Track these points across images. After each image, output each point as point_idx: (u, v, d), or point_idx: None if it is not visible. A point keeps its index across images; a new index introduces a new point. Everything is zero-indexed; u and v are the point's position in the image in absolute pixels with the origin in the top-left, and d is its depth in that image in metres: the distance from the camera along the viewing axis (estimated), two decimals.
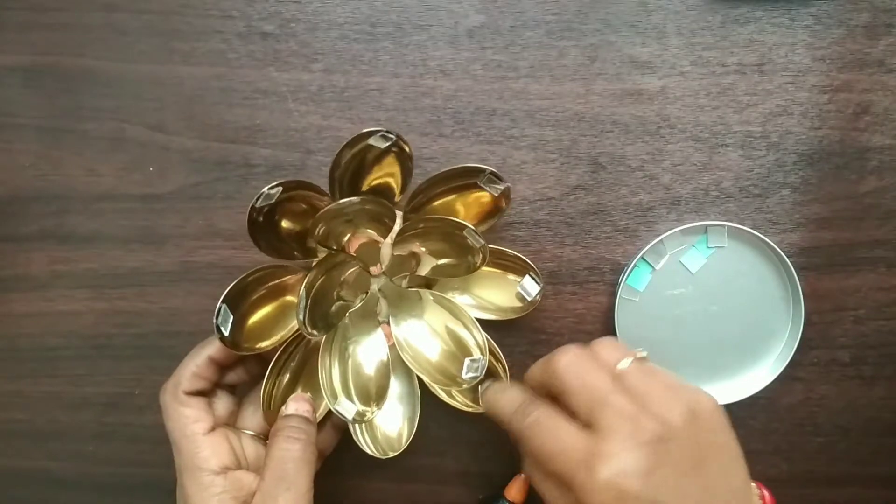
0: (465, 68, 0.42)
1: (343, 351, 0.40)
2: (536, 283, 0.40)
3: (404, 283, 0.41)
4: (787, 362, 0.42)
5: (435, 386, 0.41)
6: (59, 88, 0.42)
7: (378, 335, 0.41)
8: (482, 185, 0.38)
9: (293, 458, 0.35)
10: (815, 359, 0.44)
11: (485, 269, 0.40)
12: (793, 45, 0.41)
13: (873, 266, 0.43)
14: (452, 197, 0.39)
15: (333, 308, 0.40)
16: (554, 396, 0.34)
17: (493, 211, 0.40)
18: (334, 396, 0.39)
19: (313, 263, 0.39)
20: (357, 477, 0.42)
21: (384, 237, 0.40)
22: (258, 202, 0.35)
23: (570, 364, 0.34)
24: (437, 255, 0.41)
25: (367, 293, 0.41)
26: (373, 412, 0.39)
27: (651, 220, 0.43)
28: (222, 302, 0.35)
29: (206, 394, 0.37)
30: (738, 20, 0.41)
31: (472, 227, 0.37)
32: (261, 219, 0.36)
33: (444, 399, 0.41)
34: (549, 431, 0.33)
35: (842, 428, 0.45)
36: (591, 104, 0.42)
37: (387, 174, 0.38)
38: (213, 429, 0.36)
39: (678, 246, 0.42)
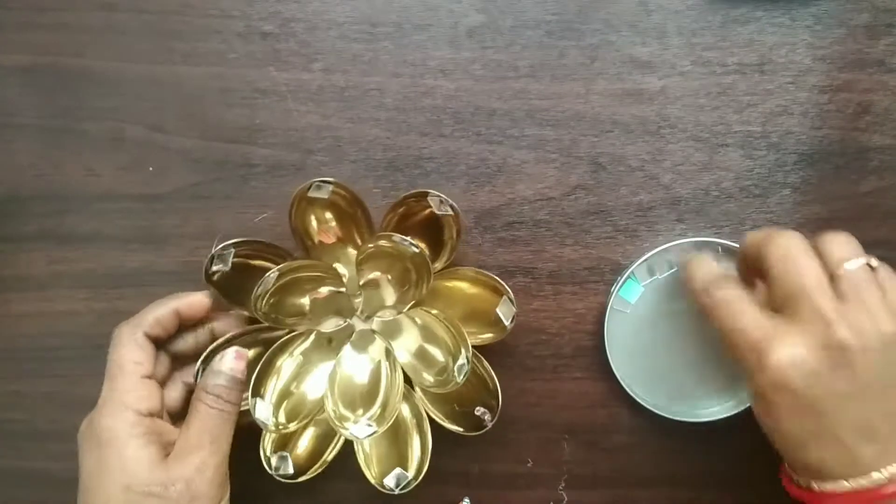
0: (465, 68, 0.42)
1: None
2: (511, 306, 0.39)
3: (387, 314, 0.41)
4: None
5: (432, 409, 0.41)
6: (58, 88, 0.42)
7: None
8: (439, 211, 0.38)
9: (224, 418, 0.36)
10: None
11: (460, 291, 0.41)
12: (793, 44, 0.41)
13: None
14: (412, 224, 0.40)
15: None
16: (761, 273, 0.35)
17: (440, 228, 0.39)
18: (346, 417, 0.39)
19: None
20: (357, 478, 0.42)
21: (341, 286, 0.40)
22: (212, 266, 0.37)
23: (785, 249, 0.33)
24: (399, 280, 0.40)
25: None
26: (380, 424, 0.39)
27: (651, 220, 0.43)
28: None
29: (159, 344, 0.38)
30: (738, 20, 0.41)
31: (401, 236, 0.36)
32: (215, 278, 0.38)
33: (442, 423, 0.41)
34: (733, 308, 0.33)
35: None
36: (592, 104, 0.42)
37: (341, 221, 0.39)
38: (150, 376, 0.36)
39: (672, 258, 0.42)
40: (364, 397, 0.40)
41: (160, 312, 0.37)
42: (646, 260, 0.41)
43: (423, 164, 0.42)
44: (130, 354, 0.36)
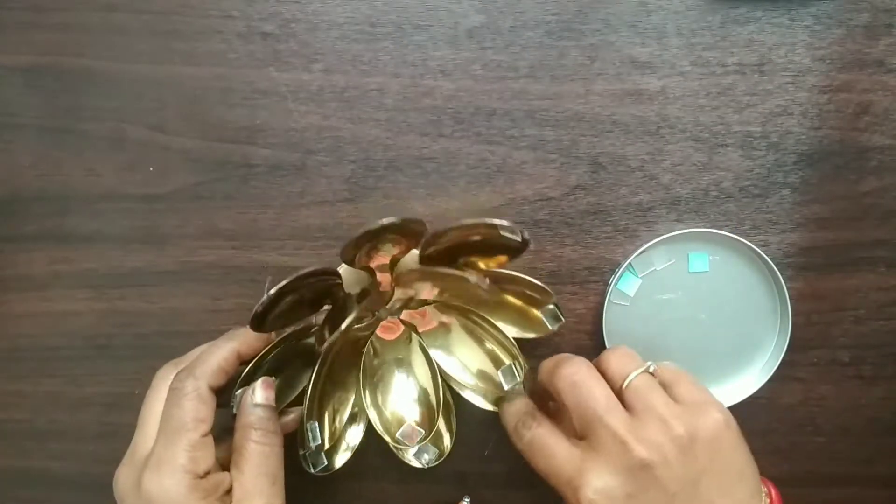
0: (465, 68, 0.42)
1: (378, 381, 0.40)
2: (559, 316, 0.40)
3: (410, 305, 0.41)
4: (770, 373, 0.42)
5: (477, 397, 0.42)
6: (59, 88, 0.42)
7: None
8: (505, 235, 0.34)
9: (274, 452, 0.34)
10: (815, 359, 0.44)
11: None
12: (793, 45, 0.41)
13: (873, 266, 0.43)
14: (469, 241, 0.37)
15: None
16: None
17: (516, 252, 0.37)
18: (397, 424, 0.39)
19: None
20: (357, 478, 0.42)
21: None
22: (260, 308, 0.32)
23: (571, 377, 0.34)
24: (447, 292, 0.40)
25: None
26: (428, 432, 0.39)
27: (651, 220, 0.43)
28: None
29: (221, 392, 0.35)
30: (738, 20, 0.41)
31: (480, 278, 0.34)
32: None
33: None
34: (542, 450, 0.34)
35: (842, 428, 0.45)
36: (591, 104, 0.42)
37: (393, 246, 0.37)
38: (210, 431, 0.34)
39: (669, 250, 0.42)
40: (405, 402, 0.40)
41: (223, 359, 0.35)
42: (643, 252, 0.41)
43: (423, 164, 0.42)
44: (195, 411, 0.33)
